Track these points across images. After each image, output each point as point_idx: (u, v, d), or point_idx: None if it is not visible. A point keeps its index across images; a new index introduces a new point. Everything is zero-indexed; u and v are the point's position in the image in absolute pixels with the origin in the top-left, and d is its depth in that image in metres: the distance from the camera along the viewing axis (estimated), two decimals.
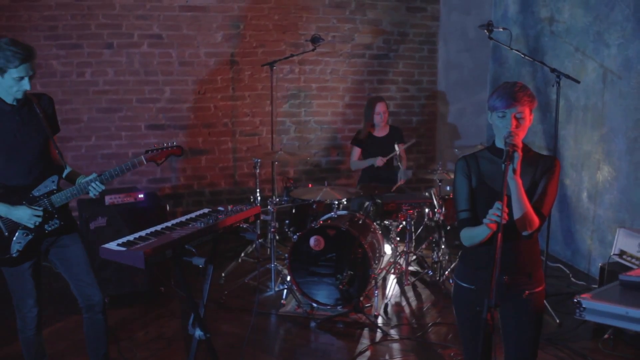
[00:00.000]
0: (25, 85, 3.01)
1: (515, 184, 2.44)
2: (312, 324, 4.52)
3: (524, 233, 2.53)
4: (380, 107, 5.80)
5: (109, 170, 3.23)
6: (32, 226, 3.11)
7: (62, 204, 3.22)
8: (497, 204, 2.32)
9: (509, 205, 2.46)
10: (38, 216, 3.11)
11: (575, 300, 2.73)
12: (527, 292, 2.62)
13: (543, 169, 2.58)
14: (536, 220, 2.50)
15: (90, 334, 3.45)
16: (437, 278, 5.26)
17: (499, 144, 2.60)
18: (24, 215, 3.08)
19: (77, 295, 3.39)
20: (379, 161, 5.73)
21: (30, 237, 3.15)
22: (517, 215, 2.48)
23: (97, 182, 3.17)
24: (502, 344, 2.73)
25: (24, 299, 3.24)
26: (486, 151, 2.69)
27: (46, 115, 3.22)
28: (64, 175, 3.34)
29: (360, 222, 4.95)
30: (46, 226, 3.18)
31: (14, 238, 3.12)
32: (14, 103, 3.09)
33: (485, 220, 2.38)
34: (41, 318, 3.34)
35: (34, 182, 3.16)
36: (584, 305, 2.70)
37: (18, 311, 3.28)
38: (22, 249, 3.13)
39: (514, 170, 2.42)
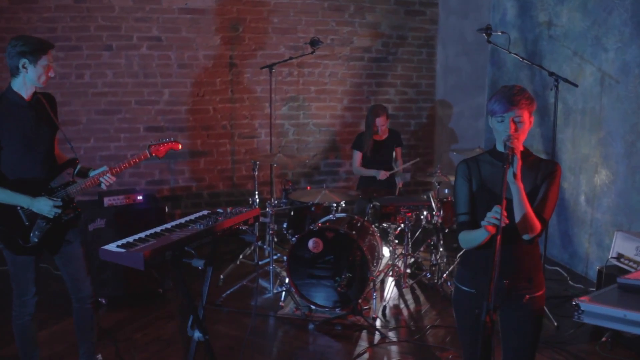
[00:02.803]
0: (51, 72, 3.27)
1: (517, 188, 2.45)
2: (311, 326, 4.53)
3: (525, 237, 2.53)
4: (380, 122, 5.82)
5: (117, 164, 3.47)
6: (52, 217, 3.26)
7: (77, 195, 3.40)
8: (496, 208, 2.33)
9: (510, 209, 2.47)
10: (58, 207, 3.26)
11: (574, 303, 2.73)
12: (527, 296, 2.62)
13: (544, 173, 2.58)
14: (538, 224, 2.50)
15: (79, 322, 3.62)
16: (435, 281, 5.27)
17: (500, 147, 2.61)
18: (45, 206, 3.23)
19: (68, 287, 3.55)
20: (382, 175, 5.76)
21: (48, 226, 3.30)
22: (518, 219, 2.48)
23: (108, 175, 3.40)
24: (500, 347, 2.73)
25: (28, 287, 3.37)
26: (487, 155, 2.69)
27: (53, 112, 3.42)
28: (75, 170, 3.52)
29: (358, 224, 4.96)
30: (64, 216, 3.34)
31: (34, 227, 3.28)
32: (30, 99, 3.28)
33: (483, 223, 2.38)
34: (38, 306, 3.46)
35: (47, 174, 3.33)
36: (582, 308, 2.70)
37: (18, 298, 3.39)
38: (40, 237, 3.29)
39: (515, 174, 2.42)
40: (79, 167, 3.47)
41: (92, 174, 3.42)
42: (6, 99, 3.23)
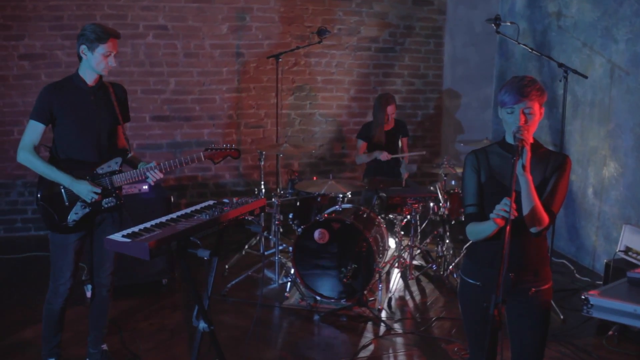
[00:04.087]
0: (111, 62, 3.31)
1: (526, 180, 2.41)
2: (316, 317, 4.52)
3: (533, 230, 2.50)
4: (390, 110, 5.77)
5: (168, 161, 3.45)
6: (88, 200, 3.32)
7: (121, 184, 3.44)
8: (505, 200, 2.30)
9: (518, 202, 2.43)
10: (96, 193, 3.31)
11: (583, 297, 2.72)
12: (533, 289, 2.59)
13: (554, 166, 2.55)
14: (546, 217, 2.46)
15: (93, 306, 3.65)
16: (441, 272, 5.25)
17: (509, 139, 2.58)
18: (84, 189, 3.29)
19: (93, 270, 3.60)
20: (384, 155, 5.70)
21: (87, 210, 3.36)
22: (526, 212, 2.44)
23: (156, 170, 3.39)
24: (507, 339, 2.71)
25: (62, 269, 3.40)
26: (496, 146, 2.66)
27: (119, 102, 3.48)
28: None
29: (364, 215, 4.94)
30: (103, 202, 3.40)
31: (73, 208, 3.34)
32: (93, 85, 3.37)
33: (491, 215, 2.35)
34: (71, 293, 3.48)
35: (99, 160, 3.39)
36: (591, 302, 2.69)
37: (53, 281, 3.43)
38: (78, 219, 3.35)
39: (524, 166, 2.39)
40: (129, 156, 3.52)
41: (140, 166, 3.45)
42: (70, 80, 3.35)
